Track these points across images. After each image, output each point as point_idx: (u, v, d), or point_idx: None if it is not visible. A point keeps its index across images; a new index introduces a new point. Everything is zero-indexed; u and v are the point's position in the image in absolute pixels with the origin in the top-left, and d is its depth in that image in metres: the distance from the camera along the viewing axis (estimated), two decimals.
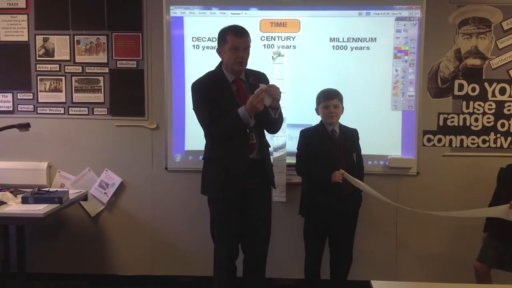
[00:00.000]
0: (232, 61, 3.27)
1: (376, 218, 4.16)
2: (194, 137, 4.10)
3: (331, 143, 3.64)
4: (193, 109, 3.44)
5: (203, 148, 3.55)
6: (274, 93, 3.20)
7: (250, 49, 3.37)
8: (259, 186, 3.43)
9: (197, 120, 3.43)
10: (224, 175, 3.30)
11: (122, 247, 4.34)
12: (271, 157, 3.93)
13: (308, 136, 3.73)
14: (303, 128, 3.82)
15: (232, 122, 3.21)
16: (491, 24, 4.06)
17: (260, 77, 3.45)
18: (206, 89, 3.30)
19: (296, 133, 3.93)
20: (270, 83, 3.48)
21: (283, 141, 4.00)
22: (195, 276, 4.29)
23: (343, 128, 3.72)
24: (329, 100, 3.62)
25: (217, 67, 3.41)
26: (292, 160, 3.96)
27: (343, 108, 3.69)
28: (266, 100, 3.18)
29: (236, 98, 3.31)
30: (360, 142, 3.79)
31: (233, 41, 3.24)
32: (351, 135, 3.74)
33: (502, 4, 4.04)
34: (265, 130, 3.48)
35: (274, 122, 3.38)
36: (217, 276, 3.51)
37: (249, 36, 3.33)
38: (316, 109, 3.73)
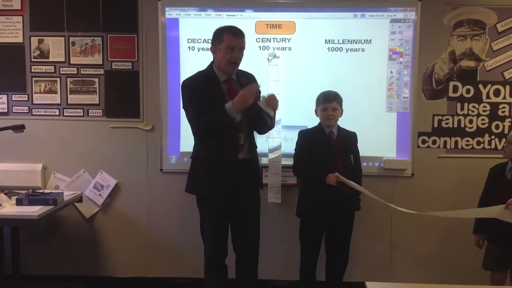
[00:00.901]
0: (225, 61, 3.27)
1: (371, 220, 4.17)
2: (189, 138, 4.06)
3: (328, 145, 3.65)
4: (183, 107, 3.42)
5: None
6: (273, 104, 3.27)
7: (246, 50, 3.37)
8: (248, 186, 3.43)
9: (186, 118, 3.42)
10: (213, 174, 3.30)
11: (117, 249, 4.34)
12: (267, 158, 3.95)
13: (306, 137, 3.73)
14: (299, 129, 3.83)
15: (218, 116, 3.19)
16: (485, 26, 4.08)
17: (251, 78, 3.47)
18: (196, 87, 3.30)
19: (291, 135, 3.94)
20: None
21: (279, 143, 4.00)
22: (190, 278, 4.27)
23: (342, 131, 3.73)
24: (328, 103, 3.62)
25: (208, 66, 3.40)
26: (287, 161, 3.96)
27: (342, 110, 3.70)
28: (268, 108, 3.25)
29: (226, 97, 3.30)
30: None
31: (230, 40, 3.25)
32: (349, 138, 3.75)
33: (497, 6, 4.06)
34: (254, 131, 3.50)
35: (267, 126, 3.41)
36: (207, 276, 3.50)
37: (244, 37, 3.34)
38: (315, 111, 3.73)
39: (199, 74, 3.39)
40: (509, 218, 3.24)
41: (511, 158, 3.46)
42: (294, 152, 3.80)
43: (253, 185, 3.48)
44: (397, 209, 3.62)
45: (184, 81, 3.40)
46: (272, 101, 3.27)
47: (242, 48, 3.31)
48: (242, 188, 3.36)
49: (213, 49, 3.35)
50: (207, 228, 3.44)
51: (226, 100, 3.26)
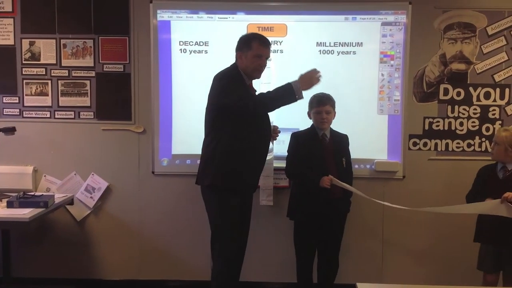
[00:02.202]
0: (252, 68, 3.35)
1: (363, 221, 4.18)
2: (181, 141, 4.11)
3: (321, 147, 3.65)
4: (220, 94, 3.28)
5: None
6: (275, 134, 3.64)
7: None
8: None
9: (223, 103, 3.26)
10: (248, 167, 3.36)
11: (108, 252, 4.32)
12: None
13: (299, 139, 3.74)
14: (291, 131, 3.83)
15: (283, 89, 3.25)
16: (476, 29, 4.10)
17: None
18: (233, 79, 3.32)
19: (283, 137, 3.93)
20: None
21: (271, 145, 3.99)
22: (181, 281, 4.28)
23: (334, 133, 3.74)
24: (322, 106, 3.63)
25: (232, 67, 3.40)
26: (279, 164, 3.97)
27: (335, 113, 3.71)
28: (272, 141, 3.66)
29: None
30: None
31: (259, 49, 3.34)
32: (341, 140, 3.76)
33: (487, 9, 4.09)
34: None
35: None
36: (226, 279, 3.40)
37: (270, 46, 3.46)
38: (308, 114, 3.74)
39: (230, 71, 3.39)
40: (506, 213, 3.25)
41: (499, 159, 3.48)
42: (286, 154, 3.81)
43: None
44: (392, 206, 3.63)
45: (222, 73, 3.36)
46: (275, 134, 3.63)
47: (268, 57, 3.42)
48: (253, 189, 3.55)
49: (238, 54, 3.38)
50: (230, 225, 3.36)
51: None
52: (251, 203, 3.61)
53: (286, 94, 3.24)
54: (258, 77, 3.44)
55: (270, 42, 3.46)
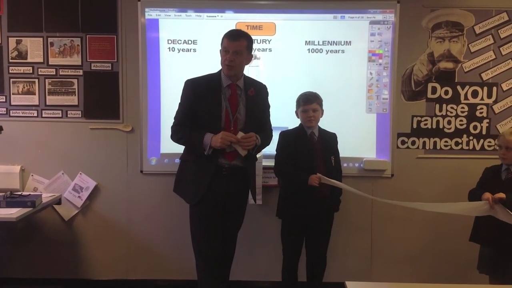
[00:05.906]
0: (222, 63, 3.26)
1: (352, 218, 4.19)
2: (170, 140, 4.06)
3: (309, 146, 3.65)
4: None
5: (178, 151, 3.52)
6: (245, 145, 3.23)
7: None
8: (239, 193, 3.42)
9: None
10: (193, 179, 3.31)
11: (96, 251, 4.30)
12: None
13: (287, 138, 3.72)
14: (280, 130, 3.82)
15: (194, 139, 3.25)
16: (463, 28, 4.13)
17: (260, 89, 3.45)
18: (195, 87, 3.28)
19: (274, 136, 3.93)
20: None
21: (244, 152, 3.94)
22: (170, 280, 4.27)
23: (322, 132, 3.74)
24: (308, 104, 3.63)
25: (219, 70, 3.34)
26: (268, 163, 3.96)
27: (322, 111, 3.70)
28: (241, 151, 3.24)
29: (223, 102, 3.25)
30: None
31: (224, 43, 3.23)
32: (329, 139, 3.75)
33: (475, 8, 4.11)
34: None
35: (258, 149, 3.41)
36: None
37: (244, 40, 3.24)
38: (296, 112, 3.74)
39: (205, 76, 3.36)
40: (499, 214, 3.24)
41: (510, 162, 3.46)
42: (275, 153, 3.79)
43: (243, 192, 3.47)
44: (382, 201, 3.62)
45: (187, 80, 3.35)
46: (245, 142, 3.24)
47: (237, 51, 3.20)
48: (232, 194, 3.34)
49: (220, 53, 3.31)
50: (195, 232, 3.34)
51: (220, 105, 3.24)
52: (236, 211, 3.47)
53: (196, 145, 3.25)
54: (228, 73, 3.25)
55: (244, 35, 3.26)
